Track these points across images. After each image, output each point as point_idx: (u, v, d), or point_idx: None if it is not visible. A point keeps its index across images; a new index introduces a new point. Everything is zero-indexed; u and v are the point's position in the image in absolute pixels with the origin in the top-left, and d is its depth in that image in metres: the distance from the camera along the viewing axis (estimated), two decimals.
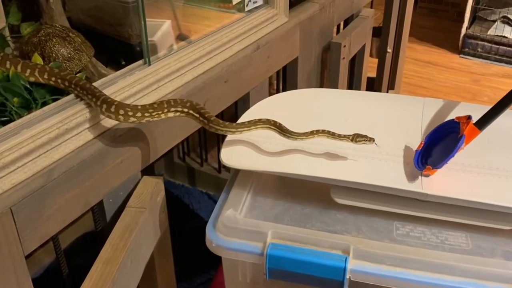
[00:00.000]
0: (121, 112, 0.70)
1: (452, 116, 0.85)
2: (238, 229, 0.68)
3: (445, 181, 0.72)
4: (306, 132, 0.76)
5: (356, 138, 0.75)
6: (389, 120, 0.87)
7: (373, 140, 0.75)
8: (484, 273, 0.62)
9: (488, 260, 0.64)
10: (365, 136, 0.75)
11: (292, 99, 0.91)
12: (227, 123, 0.75)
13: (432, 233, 0.70)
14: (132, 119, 0.71)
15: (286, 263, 0.65)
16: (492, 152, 0.79)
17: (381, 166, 0.75)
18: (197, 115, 0.74)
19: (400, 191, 0.69)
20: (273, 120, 0.76)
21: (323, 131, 0.76)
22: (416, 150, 0.76)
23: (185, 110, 0.74)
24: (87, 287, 0.67)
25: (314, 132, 0.76)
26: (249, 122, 0.76)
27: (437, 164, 0.72)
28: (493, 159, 0.77)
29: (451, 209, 0.69)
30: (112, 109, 0.70)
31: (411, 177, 0.73)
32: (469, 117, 0.75)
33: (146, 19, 0.83)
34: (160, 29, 0.96)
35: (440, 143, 0.78)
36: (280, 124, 0.76)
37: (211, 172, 1.77)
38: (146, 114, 0.72)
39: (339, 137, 0.76)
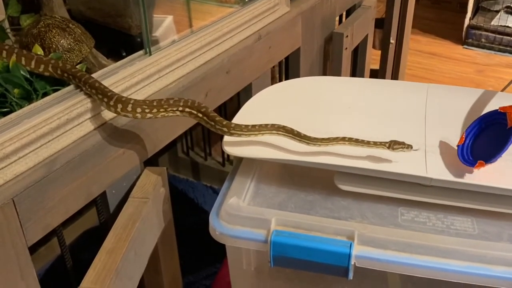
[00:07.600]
0: (139, 110, 0.70)
1: (457, 101, 0.85)
2: (241, 216, 0.67)
3: (449, 165, 0.72)
4: (329, 138, 0.72)
5: (393, 145, 0.71)
6: (392, 106, 0.86)
7: (411, 147, 0.71)
8: (491, 257, 0.62)
9: (494, 244, 0.64)
10: (403, 143, 0.71)
11: (294, 87, 0.91)
12: (249, 126, 0.73)
13: (437, 218, 0.69)
14: (149, 115, 0.71)
15: (290, 250, 0.65)
16: None
17: (385, 151, 0.74)
18: (212, 123, 0.72)
19: (405, 176, 0.68)
20: (296, 131, 0.73)
21: (350, 139, 0.72)
22: (457, 145, 0.73)
23: (200, 115, 0.73)
24: (91, 277, 0.67)
25: (339, 139, 0.72)
26: (272, 125, 0.73)
27: (487, 158, 0.68)
28: None
29: (456, 193, 0.68)
30: (129, 108, 0.70)
31: (415, 162, 0.72)
32: None
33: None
34: (162, 25, 0.96)
35: (483, 135, 0.74)
36: (298, 132, 0.73)
37: (215, 166, 1.76)
38: (162, 110, 0.72)
39: (375, 144, 0.72)
